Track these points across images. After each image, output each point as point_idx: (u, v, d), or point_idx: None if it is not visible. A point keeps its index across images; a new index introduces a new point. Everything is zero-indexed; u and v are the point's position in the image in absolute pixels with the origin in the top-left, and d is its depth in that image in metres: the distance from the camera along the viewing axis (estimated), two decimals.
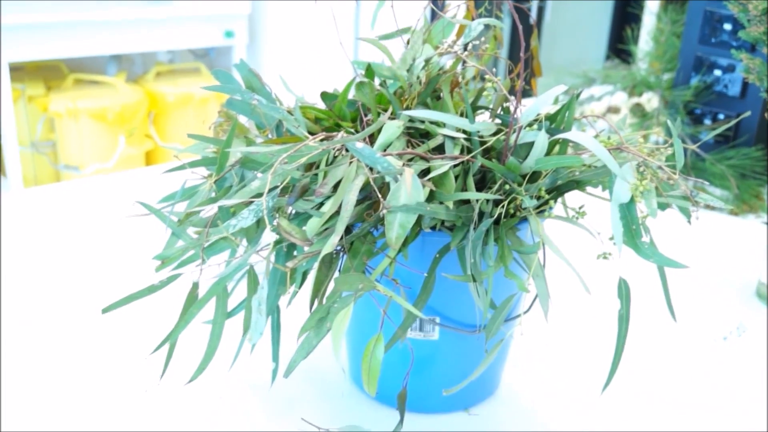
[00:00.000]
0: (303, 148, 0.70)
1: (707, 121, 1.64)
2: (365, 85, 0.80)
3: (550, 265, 0.83)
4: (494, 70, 0.86)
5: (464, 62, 0.84)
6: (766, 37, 1.17)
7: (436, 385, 0.86)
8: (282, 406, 0.89)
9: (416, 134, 0.81)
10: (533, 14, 3.94)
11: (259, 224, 0.77)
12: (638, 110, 1.89)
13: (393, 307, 0.73)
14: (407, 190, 0.67)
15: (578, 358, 1.01)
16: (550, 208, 0.77)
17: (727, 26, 1.58)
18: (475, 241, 0.70)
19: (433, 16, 0.93)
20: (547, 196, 0.76)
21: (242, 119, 0.84)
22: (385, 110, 0.81)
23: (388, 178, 0.70)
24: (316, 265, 0.71)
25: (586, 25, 4.30)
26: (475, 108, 0.86)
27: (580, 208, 0.81)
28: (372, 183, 0.68)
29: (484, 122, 0.78)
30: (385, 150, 0.73)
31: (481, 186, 0.78)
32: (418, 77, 0.83)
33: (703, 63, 1.62)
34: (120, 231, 1.28)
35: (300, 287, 0.75)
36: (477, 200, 0.73)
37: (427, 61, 0.84)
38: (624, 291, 0.75)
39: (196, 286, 0.75)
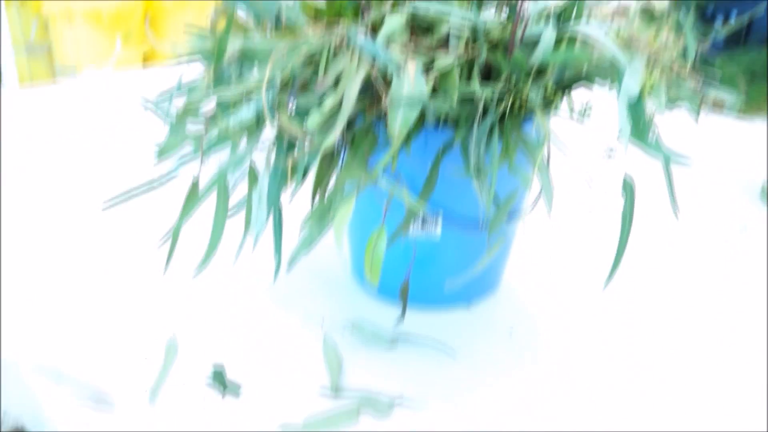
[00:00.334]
0: (303, 40, 0.68)
1: (718, 23, 1.59)
2: None
3: (554, 169, 0.82)
4: None
5: None
6: None
7: (438, 281, 0.87)
8: (285, 301, 0.90)
9: (420, 28, 0.78)
10: None
11: (259, 122, 0.75)
12: (647, 14, 1.84)
13: (395, 206, 0.73)
14: (410, 83, 0.65)
15: (580, 257, 1.02)
16: (557, 105, 0.76)
17: None
18: (479, 136, 0.69)
19: None
20: (553, 92, 0.74)
21: (240, 15, 0.81)
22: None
23: (390, 72, 0.68)
24: (317, 160, 0.70)
25: None
26: (481, 1, 0.84)
27: (585, 105, 0.79)
28: (374, 76, 0.67)
29: (490, 16, 0.75)
30: (388, 43, 0.71)
31: (486, 82, 0.76)
32: None
33: None
34: (118, 129, 1.27)
35: (301, 183, 0.75)
36: (482, 95, 0.72)
37: None
38: (628, 189, 0.75)
39: (196, 180, 0.74)
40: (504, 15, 0.81)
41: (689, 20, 1.59)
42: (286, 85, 0.71)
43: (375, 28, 0.74)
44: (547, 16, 0.75)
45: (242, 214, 0.78)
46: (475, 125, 0.71)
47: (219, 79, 0.77)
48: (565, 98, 0.80)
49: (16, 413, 0.70)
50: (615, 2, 2.01)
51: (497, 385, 0.80)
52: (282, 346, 0.83)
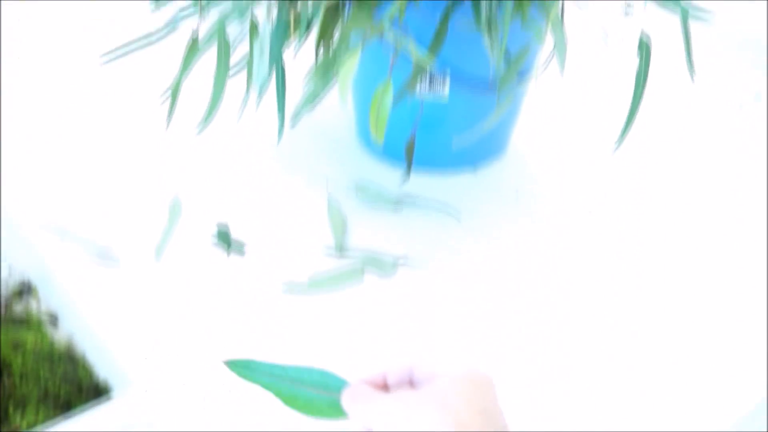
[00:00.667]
0: None
1: None
2: None
3: (569, 24, 0.79)
4: None
5: None
6: None
7: (445, 144, 0.85)
8: (290, 162, 0.89)
9: None
10: None
11: None
12: None
13: (402, 64, 0.70)
14: None
15: (590, 121, 0.99)
16: None
17: None
18: None
19: None
20: None
21: None
22: None
23: None
24: (321, 11, 0.67)
25: None
26: None
27: None
28: None
29: None
30: None
31: None
32: None
33: None
34: None
35: (304, 37, 0.71)
36: None
37: None
38: (644, 48, 0.72)
39: (195, 34, 0.71)
40: None
41: None
42: None
43: None
44: None
45: (245, 73, 0.76)
46: None
47: None
48: None
49: (21, 269, 0.70)
50: None
51: (502, 246, 0.80)
52: (286, 207, 0.83)
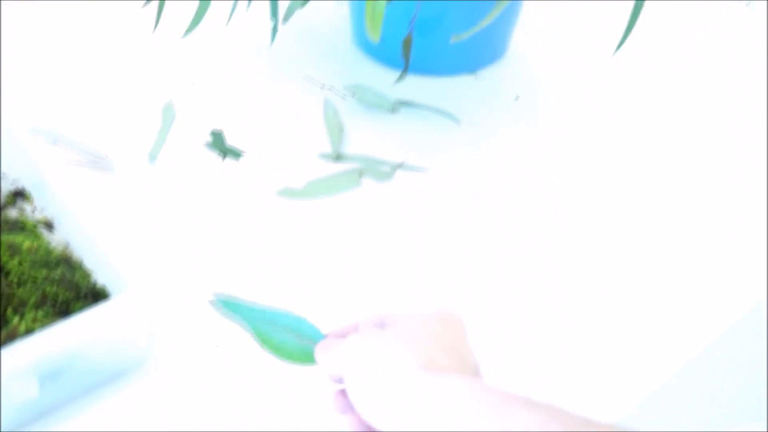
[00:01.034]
0: None
1: None
2: None
3: None
4: None
5: None
6: None
7: (443, 47, 0.83)
8: (284, 66, 0.87)
9: None
10: None
11: None
12: None
13: None
14: None
15: (592, 23, 0.97)
16: None
17: None
18: None
19: None
20: None
21: None
22: None
23: None
24: None
25: None
26: None
27: None
28: None
29: None
30: None
31: None
32: None
33: None
34: None
35: None
36: None
37: None
38: None
39: None
40: None
41: None
42: None
43: None
44: None
45: None
46: None
47: None
48: None
49: (15, 175, 0.69)
50: None
51: (501, 150, 0.79)
52: (281, 112, 0.81)
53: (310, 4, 0.80)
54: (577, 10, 0.99)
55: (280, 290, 0.64)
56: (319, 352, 0.47)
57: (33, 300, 0.57)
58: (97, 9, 0.93)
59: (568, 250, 0.70)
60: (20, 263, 0.59)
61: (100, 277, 0.61)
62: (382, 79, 0.85)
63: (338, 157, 0.76)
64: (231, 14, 0.76)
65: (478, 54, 0.87)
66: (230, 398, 0.57)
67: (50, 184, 0.66)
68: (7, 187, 0.68)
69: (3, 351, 0.49)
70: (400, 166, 0.76)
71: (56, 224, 0.66)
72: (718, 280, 0.68)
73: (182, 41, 0.85)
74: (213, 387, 0.57)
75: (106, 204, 0.70)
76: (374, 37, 0.62)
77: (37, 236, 0.63)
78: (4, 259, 0.59)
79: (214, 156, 0.75)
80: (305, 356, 0.48)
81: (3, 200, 0.67)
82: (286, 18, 0.64)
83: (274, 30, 0.74)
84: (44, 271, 0.59)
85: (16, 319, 0.55)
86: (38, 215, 0.67)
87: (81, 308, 0.57)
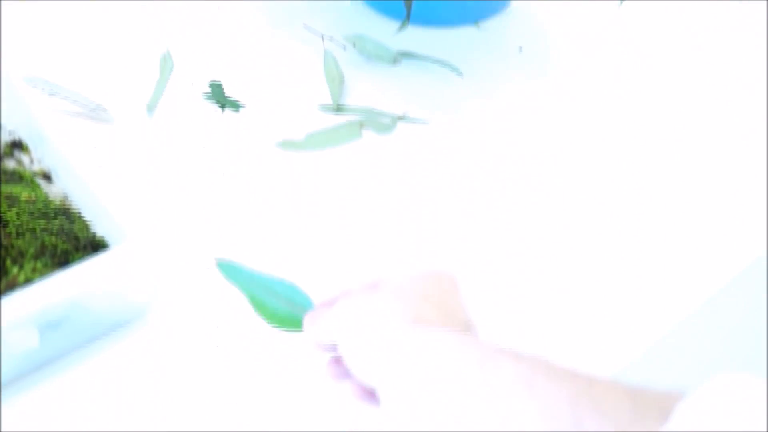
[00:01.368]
0: None
1: None
2: None
3: None
4: None
5: None
6: None
7: None
8: (283, 15, 0.85)
9: None
10: None
11: None
12: None
13: None
14: None
15: None
16: None
17: None
18: None
19: None
20: None
21: None
22: None
23: None
24: None
25: None
26: None
27: None
28: None
29: None
30: None
31: None
32: None
33: None
34: None
35: None
36: None
37: None
38: None
39: None
40: None
41: None
42: None
43: None
44: None
45: None
46: None
47: None
48: None
49: (12, 126, 0.68)
50: None
51: (504, 102, 0.78)
52: (281, 63, 0.80)
53: None
54: None
55: (278, 242, 0.64)
56: (307, 322, 0.48)
57: (32, 251, 0.56)
58: None
59: (571, 202, 0.69)
60: (18, 214, 0.58)
61: (99, 228, 0.61)
62: (384, 29, 0.84)
63: (338, 109, 0.75)
64: None
65: (482, 4, 0.86)
66: (229, 350, 0.57)
67: (48, 135, 0.65)
68: (5, 138, 0.68)
69: (3, 300, 0.49)
70: (401, 118, 0.75)
71: (54, 176, 0.65)
72: (719, 232, 0.68)
73: None
74: (213, 339, 0.58)
75: (104, 155, 0.69)
76: None
77: (35, 187, 0.63)
78: (2, 209, 0.58)
79: (213, 107, 0.75)
80: (294, 324, 0.50)
81: (1, 151, 0.66)
82: None
83: None
84: (43, 222, 0.59)
85: (15, 270, 0.55)
86: (36, 167, 0.66)
87: (80, 259, 0.57)
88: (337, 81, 0.77)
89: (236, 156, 0.70)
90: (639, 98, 0.79)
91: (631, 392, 0.35)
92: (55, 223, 0.59)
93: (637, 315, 0.62)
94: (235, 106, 0.74)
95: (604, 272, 0.64)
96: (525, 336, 0.59)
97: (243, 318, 0.56)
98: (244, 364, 0.56)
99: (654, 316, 0.62)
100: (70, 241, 0.58)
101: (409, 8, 0.66)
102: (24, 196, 0.60)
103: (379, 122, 0.74)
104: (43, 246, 0.57)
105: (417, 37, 0.83)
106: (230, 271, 0.51)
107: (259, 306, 0.50)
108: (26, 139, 0.68)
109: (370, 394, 0.45)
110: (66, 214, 0.61)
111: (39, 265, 0.56)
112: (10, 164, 0.66)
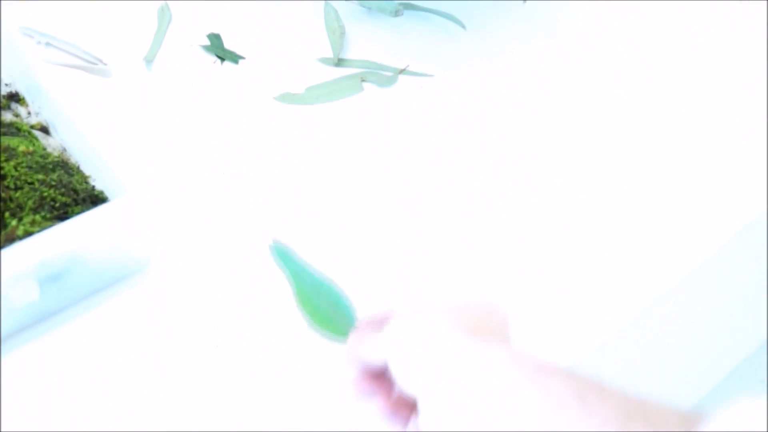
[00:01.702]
0: None
1: None
2: None
3: None
4: None
5: None
6: None
7: None
8: None
9: None
10: None
11: None
12: None
13: None
14: None
15: None
16: None
17: None
18: None
19: None
20: None
21: None
22: None
23: None
24: None
25: None
26: None
27: None
28: None
29: None
30: None
31: None
32: None
33: None
34: None
35: None
36: None
37: None
38: None
39: None
40: None
41: None
42: None
43: None
44: None
45: None
46: None
47: None
48: None
49: (8, 79, 0.67)
50: None
51: (507, 55, 0.77)
52: (281, 15, 0.79)
53: None
54: None
55: (278, 196, 0.64)
56: (355, 340, 0.46)
57: (31, 204, 0.56)
58: None
59: (572, 157, 0.69)
60: (17, 167, 0.58)
61: (98, 182, 0.60)
62: None
63: (339, 62, 0.74)
64: None
65: None
66: (229, 305, 0.57)
67: (45, 87, 0.64)
68: (2, 90, 0.67)
69: (2, 253, 0.49)
70: (403, 71, 0.74)
71: (52, 129, 0.65)
72: (717, 193, 0.67)
73: None
74: (213, 293, 0.58)
75: (102, 108, 0.68)
76: None
77: (33, 140, 0.62)
78: (0, 162, 0.58)
79: (211, 60, 0.73)
80: (334, 328, 0.48)
81: None
82: None
83: None
84: (41, 175, 0.58)
85: (14, 223, 0.54)
86: (33, 119, 0.65)
87: (79, 212, 0.56)
88: (337, 33, 0.76)
89: (235, 109, 0.70)
90: (644, 49, 0.78)
91: (680, 414, 0.35)
92: (54, 176, 0.58)
93: (634, 276, 0.62)
94: (234, 58, 0.73)
95: (607, 230, 0.64)
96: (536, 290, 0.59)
97: (245, 269, 0.56)
98: (244, 320, 0.56)
99: (651, 277, 0.62)
100: (69, 194, 0.58)
101: None
102: (22, 148, 0.60)
103: (381, 75, 0.73)
104: (42, 199, 0.57)
105: None
106: (284, 257, 0.49)
107: (305, 301, 0.48)
108: (23, 92, 0.67)
109: (397, 414, 0.45)
110: (65, 167, 0.60)
111: (38, 218, 0.56)
112: (7, 116, 0.65)
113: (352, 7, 0.80)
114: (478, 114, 0.71)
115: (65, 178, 0.59)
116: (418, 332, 0.42)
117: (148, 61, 0.72)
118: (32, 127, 0.64)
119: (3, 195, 0.56)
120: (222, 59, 0.73)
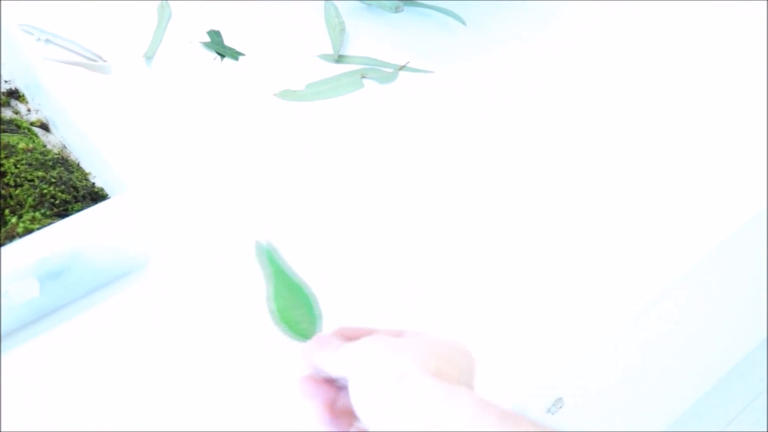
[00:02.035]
0: None
1: None
2: None
3: None
4: None
5: None
6: None
7: None
8: None
9: None
10: None
11: None
12: None
13: None
14: None
15: None
16: None
17: None
18: None
19: None
20: None
21: None
22: None
23: None
24: None
25: None
26: None
27: None
28: None
29: None
30: None
31: None
32: None
33: None
34: None
35: None
36: None
37: None
38: None
39: None
40: None
41: None
42: None
43: None
44: None
45: None
46: None
47: None
48: None
49: (8, 75, 0.67)
50: None
51: (508, 52, 0.77)
52: (281, 11, 0.79)
53: None
54: None
55: (278, 193, 0.64)
56: (316, 344, 0.46)
57: (31, 201, 0.56)
58: None
59: (572, 154, 0.69)
60: (16, 164, 0.58)
61: (98, 179, 0.60)
62: None
63: (339, 59, 0.74)
64: None
65: None
66: (229, 302, 0.57)
67: (45, 84, 0.64)
68: (2, 87, 0.67)
69: (2, 250, 0.49)
70: (403, 67, 0.74)
71: (52, 126, 0.65)
72: (717, 190, 0.67)
73: None
74: (212, 290, 0.57)
75: (102, 105, 0.68)
76: None
77: (33, 137, 0.62)
78: (0, 159, 0.58)
79: (211, 56, 0.73)
80: (299, 332, 0.49)
81: None
82: None
83: None
84: (41, 172, 0.58)
85: (14, 220, 0.54)
86: (33, 116, 0.65)
87: (79, 210, 0.56)
88: (337, 30, 0.76)
89: (235, 106, 0.69)
90: (645, 42, 0.78)
91: None
92: (54, 174, 0.58)
93: (641, 267, 0.62)
94: (234, 55, 0.73)
95: (611, 219, 0.64)
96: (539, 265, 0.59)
97: (243, 266, 0.56)
98: (241, 318, 0.56)
99: (657, 267, 0.62)
100: (68, 191, 0.58)
101: None
102: (22, 145, 0.60)
103: (381, 72, 0.73)
104: (42, 196, 0.57)
105: None
106: (266, 256, 0.50)
107: (278, 299, 0.49)
108: (23, 89, 0.67)
109: (337, 421, 0.45)
110: (64, 164, 0.60)
111: (38, 215, 0.56)
112: (7, 113, 0.65)
113: (352, 4, 0.79)
114: (478, 110, 0.71)
115: (65, 175, 0.59)
116: (382, 361, 0.42)
117: (148, 58, 0.72)
118: (32, 124, 0.64)
119: (3, 192, 0.56)
120: (222, 56, 0.73)
